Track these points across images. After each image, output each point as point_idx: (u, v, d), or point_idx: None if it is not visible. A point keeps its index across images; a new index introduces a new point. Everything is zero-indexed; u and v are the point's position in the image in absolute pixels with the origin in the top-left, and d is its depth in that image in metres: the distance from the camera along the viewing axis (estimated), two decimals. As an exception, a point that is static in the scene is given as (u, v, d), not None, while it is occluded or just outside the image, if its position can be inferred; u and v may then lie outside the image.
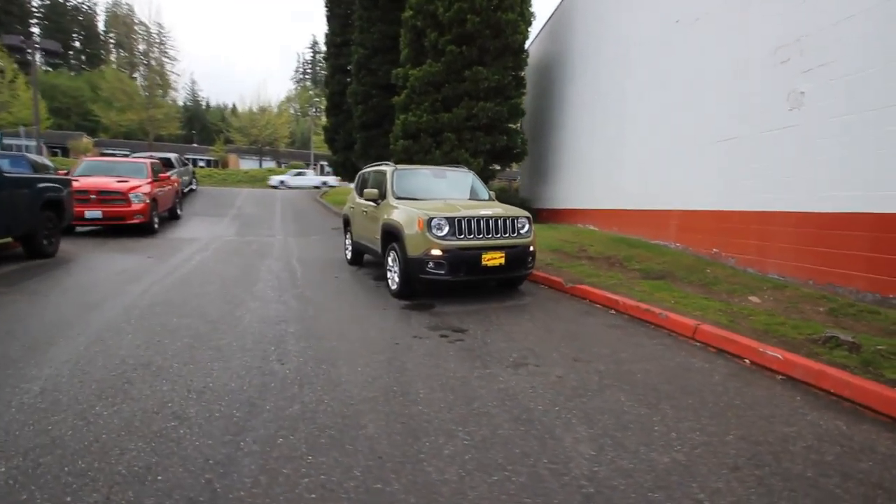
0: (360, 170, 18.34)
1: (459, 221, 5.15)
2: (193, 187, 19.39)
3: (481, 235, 5.23)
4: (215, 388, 2.94)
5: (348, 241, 7.90)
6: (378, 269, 7.38)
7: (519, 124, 13.83)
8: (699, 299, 5.28)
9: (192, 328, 4.16)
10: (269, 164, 46.29)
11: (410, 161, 12.68)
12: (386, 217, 5.80)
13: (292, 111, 65.96)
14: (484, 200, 6.40)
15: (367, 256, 7.80)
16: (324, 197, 22.11)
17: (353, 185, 21.29)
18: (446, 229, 5.10)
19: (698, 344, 4.01)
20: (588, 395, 2.96)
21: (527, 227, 5.56)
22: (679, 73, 7.85)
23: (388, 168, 6.49)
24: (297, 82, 79.97)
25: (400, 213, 5.52)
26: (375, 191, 6.20)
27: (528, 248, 5.51)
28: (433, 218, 5.09)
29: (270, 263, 7.67)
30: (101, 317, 4.39)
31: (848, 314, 4.54)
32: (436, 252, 5.03)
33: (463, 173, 6.92)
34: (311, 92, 76.62)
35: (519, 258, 5.42)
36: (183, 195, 15.65)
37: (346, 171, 19.37)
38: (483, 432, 2.48)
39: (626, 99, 9.45)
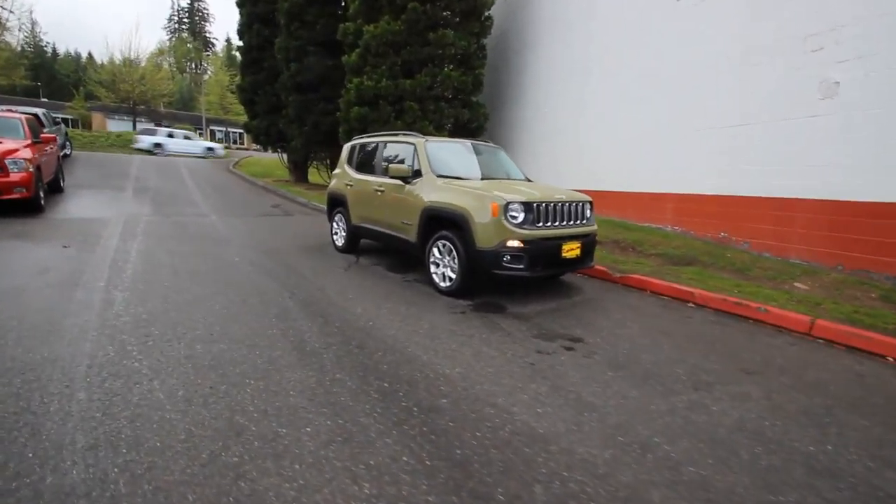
0: (292, 139, 16.03)
1: (537, 207, 4.39)
2: (67, 152, 15.50)
3: (557, 223, 4.53)
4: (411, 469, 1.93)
5: (339, 225, 6.63)
6: (385, 258, 6.32)
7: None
8: (753, 287, 5.21)
9: (238, 359, 2.91)
10: (147, 125, 39.52)
11: (367, 131, 11.31)
12: (431, 199, 4.79)
13: (167, 66, 57.08)
14: (522, 180, 5.68)
15: (363, 241, 6.66)
16: (238, 167, 19.32)
17: (275, 158, 18.78)
18: (522, 216, 4.31)
19: (821, 341, 3.83)
20: (829, 423, 2.52)
21: (590, 212, 4.99)
22: (680, 54, 7.73)
23: (416, 139, 5.41)
24: (172, 32, 69.14)
25: (458, 196, 4.57)
26: (406, 167, 5.12)
27: (596, 236, 4.96)
28: (511, 203, 4.25)
29: (240, 253, 6.14)
30: (76, 351, 2.88)
31: (903, 300, 4.76)
32: (514, 243, 4.23)
33: (494, 149, 6.09)
34: (189, 45, 67.01)
35: (590, 248, 4.85)
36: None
37: (269, 138, 16.87)
38: (813, 501, 1.89)
39: (612, 78, 9.21)
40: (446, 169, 5.12)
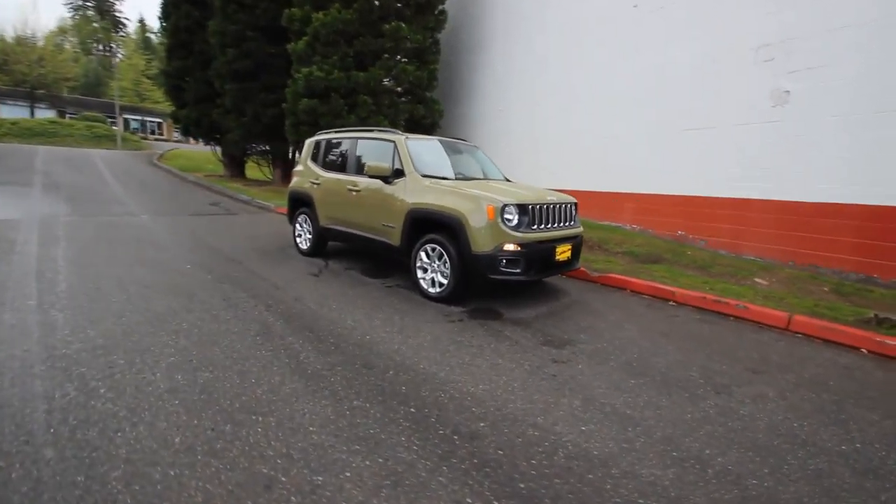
0: (229, 131, 14.94)
1: (532, 209, 4.28)
2: (-48, 140, 13.26)
3: (551, 225, 4.46)
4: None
5: (304, 227, 6.15)
6: (357, 261, 5.95)
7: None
8: (721, 283, 5.49)
9: (233, 390, 2.51)
10: (48, 112, 35.13)
11: (316, 125, 10.69)
12: (417, 201, 4.52)
13: (69, 46, 51.17)
14: (502, 180, 5.56)
15: (331, 244, 6.24)
16: (163, 161, 17.63)
17: (204, 150, 17.37)
18: (517, 218, 4.18)
19: (800, 335, 4.07)
20: (846, 420, 2.62)
21: (575, 212, 4.97)
22: (642, 55, 7.99)
23: (395, 136, 5.10)
24: (76, 10, 61.94)
25: (449, 197, 4.34)
26: (386, 165, 4.80)
27: (582, 237, 4.95)
28: (507, 205, 4.10)
29: (190, 259, 5.50)
30: (26, 393, 2.33)
31: (851, 292, 5.21)
32: (510, 247, 4.09)
33: (473, 148, 5.91)
34: (95, 24, 60.45)
35: (578, 249, 4.84)
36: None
37: (201, 129, 15.49)
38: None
39: (572, 80, 9.34)
40: (427, 168, 4.87)
